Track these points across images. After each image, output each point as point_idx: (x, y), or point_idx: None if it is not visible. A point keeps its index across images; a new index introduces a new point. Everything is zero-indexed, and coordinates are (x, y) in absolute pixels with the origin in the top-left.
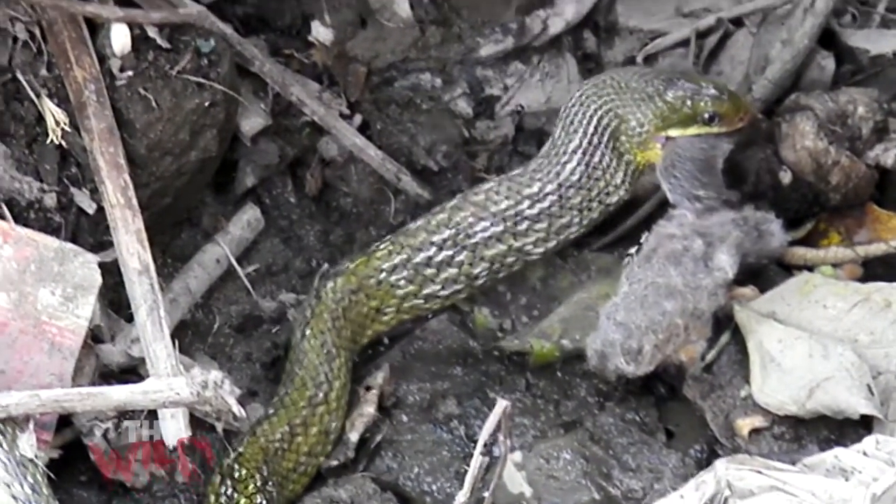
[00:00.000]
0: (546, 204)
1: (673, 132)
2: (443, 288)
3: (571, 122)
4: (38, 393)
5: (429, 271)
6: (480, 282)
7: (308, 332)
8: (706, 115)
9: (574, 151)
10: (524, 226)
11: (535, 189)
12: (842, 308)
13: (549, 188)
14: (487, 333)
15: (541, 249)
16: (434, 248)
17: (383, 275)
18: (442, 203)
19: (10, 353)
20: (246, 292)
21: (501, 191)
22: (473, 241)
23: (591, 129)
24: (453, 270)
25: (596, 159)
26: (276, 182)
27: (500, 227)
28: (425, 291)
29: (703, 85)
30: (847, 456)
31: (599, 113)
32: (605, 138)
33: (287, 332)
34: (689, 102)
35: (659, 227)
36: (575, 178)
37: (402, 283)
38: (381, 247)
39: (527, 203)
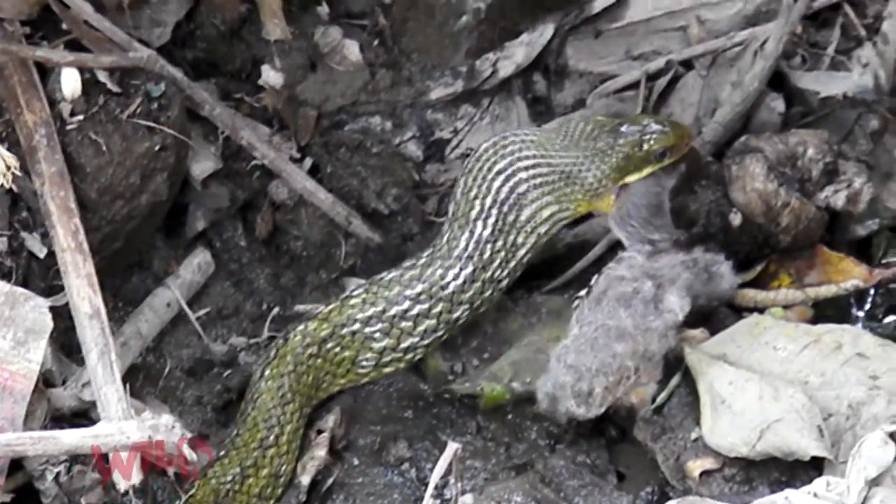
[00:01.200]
0: (493, 218)
1: (630, 178)
2: (422, 339)
3: (503, 149)
4: None
5: (405, 324)
6: (462, 322)
7: (267, 372)
8: (657, 153)
9: (499, 173)
10: (488, 251)
11: (478, 208)
12: (792, 350)
13: (487, 202)
14: (438, 376)
15: (506, 272)
16: (409, 302)
17: (357, 325)
18: (412, 259)
19: None
20: (197, 336)
21: (456, 232)
22: (448, 291)
23: (520, 165)
24: (432, 322)
25: (521, 189)
26: (227, 225)
27: (470, 269)
28: (403, 345)
29: (646, 123)
30: (798, 497)
31: (538, 161)
32: (538, 182)
33: (238, 375)
34: (639, 147)
35: (609, 270)
36: (502, 196)
37: (377, 335)
38: (355, 294)
39: (480, 225)
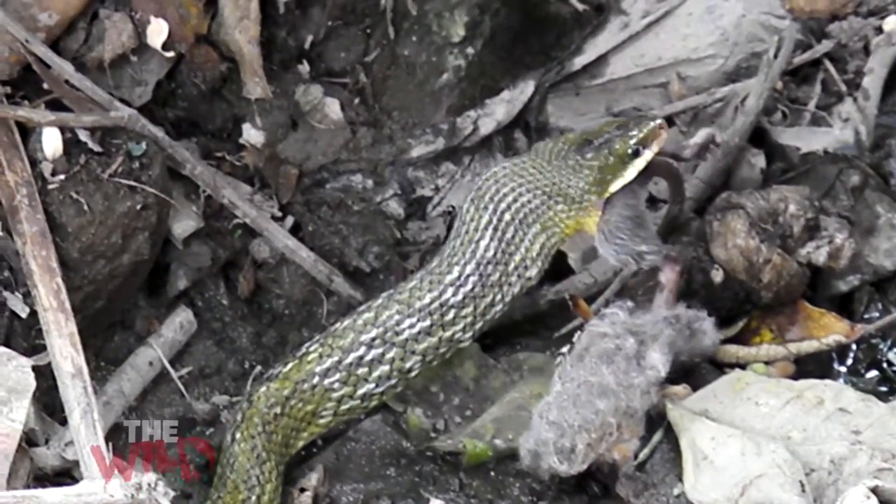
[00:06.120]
0: (469, 287)
1: (614, 186)
2: (377, 385)
3: (482, 199)
4: None
5: (361, 371)
6: (414, 374)
7: (238, 435)
8: (629, 153)
9: (485, 228)
10: (451, 315)
11: (455, 275)
12: (774, 405)
13: (468, 269)
14: (421, 434)
15: (469, 334)
16: (364, 348)
17: (317, 378)
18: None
19: None
20: (179, 395)
21: (424, 285)
22: (402, 337)
23: (503, 207)
24: (385, 367)
25: (509, 235)
26: (209, 284)
27: (428, 322)
28: (360, 391)
29: (609, 130)
30: None
31: (519, 191)
32: (523, 216)
33: (221, 434)
34: (608, 153)
35: (591, 326)
36: (490, 253)
37: (336, 385)
38: (311, 349)
39: (450, 291)
